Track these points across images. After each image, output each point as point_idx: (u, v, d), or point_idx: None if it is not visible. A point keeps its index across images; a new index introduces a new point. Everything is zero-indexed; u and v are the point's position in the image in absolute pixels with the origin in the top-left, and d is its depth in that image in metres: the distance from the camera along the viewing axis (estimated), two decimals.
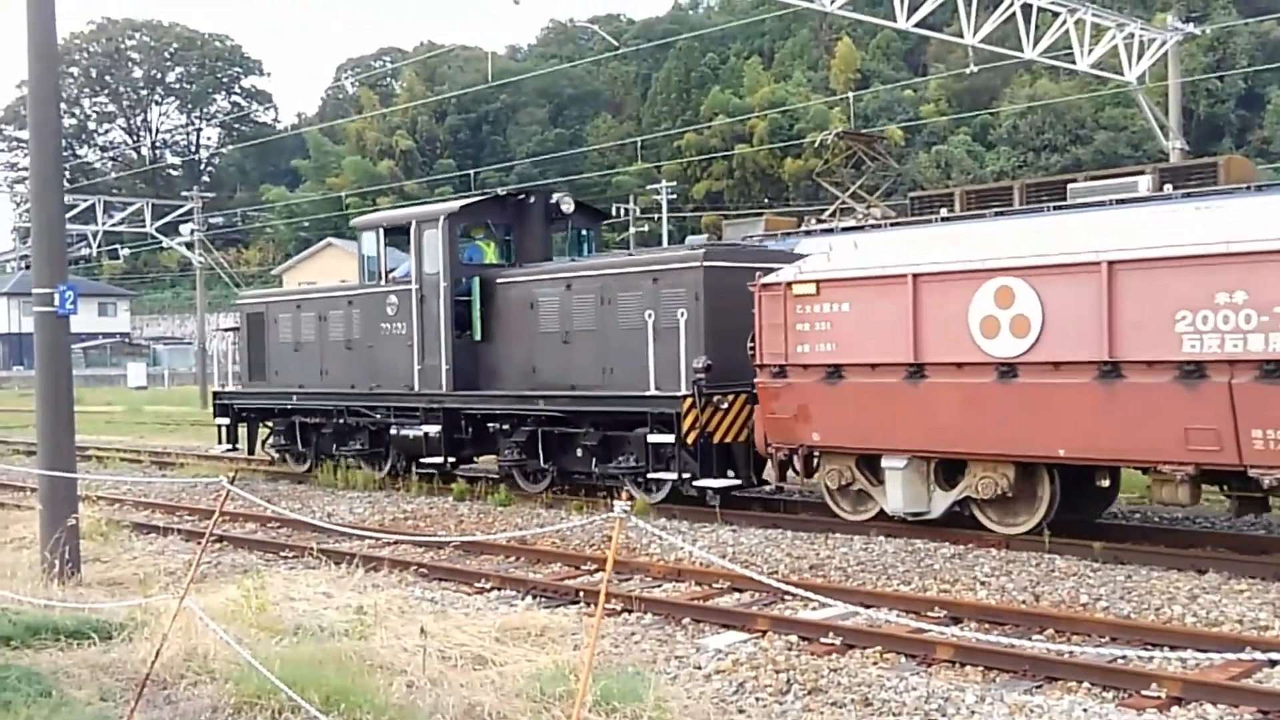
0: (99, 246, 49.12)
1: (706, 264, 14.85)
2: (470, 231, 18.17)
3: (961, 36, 25.15)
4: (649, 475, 15.27)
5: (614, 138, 79.42)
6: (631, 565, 12.05)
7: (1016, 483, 12.22)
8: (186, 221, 51.61)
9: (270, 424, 21.19)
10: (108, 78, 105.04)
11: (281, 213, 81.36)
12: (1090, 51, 26.41)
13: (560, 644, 9.02)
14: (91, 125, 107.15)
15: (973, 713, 7.44)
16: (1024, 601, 10.22)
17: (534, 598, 11.12)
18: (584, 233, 19.01)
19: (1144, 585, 10.50)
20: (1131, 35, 27.20)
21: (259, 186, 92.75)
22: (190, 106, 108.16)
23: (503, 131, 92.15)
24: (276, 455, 21.37)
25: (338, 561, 12.43)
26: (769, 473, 14.53)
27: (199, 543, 13.34)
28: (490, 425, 17.38)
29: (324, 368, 19.68)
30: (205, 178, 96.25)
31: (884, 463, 12.92)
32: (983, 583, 10.88)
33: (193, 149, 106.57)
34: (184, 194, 55.40)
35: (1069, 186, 16.90)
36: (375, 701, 7.08)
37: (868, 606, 8.54)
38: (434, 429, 17.45)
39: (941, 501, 12.80)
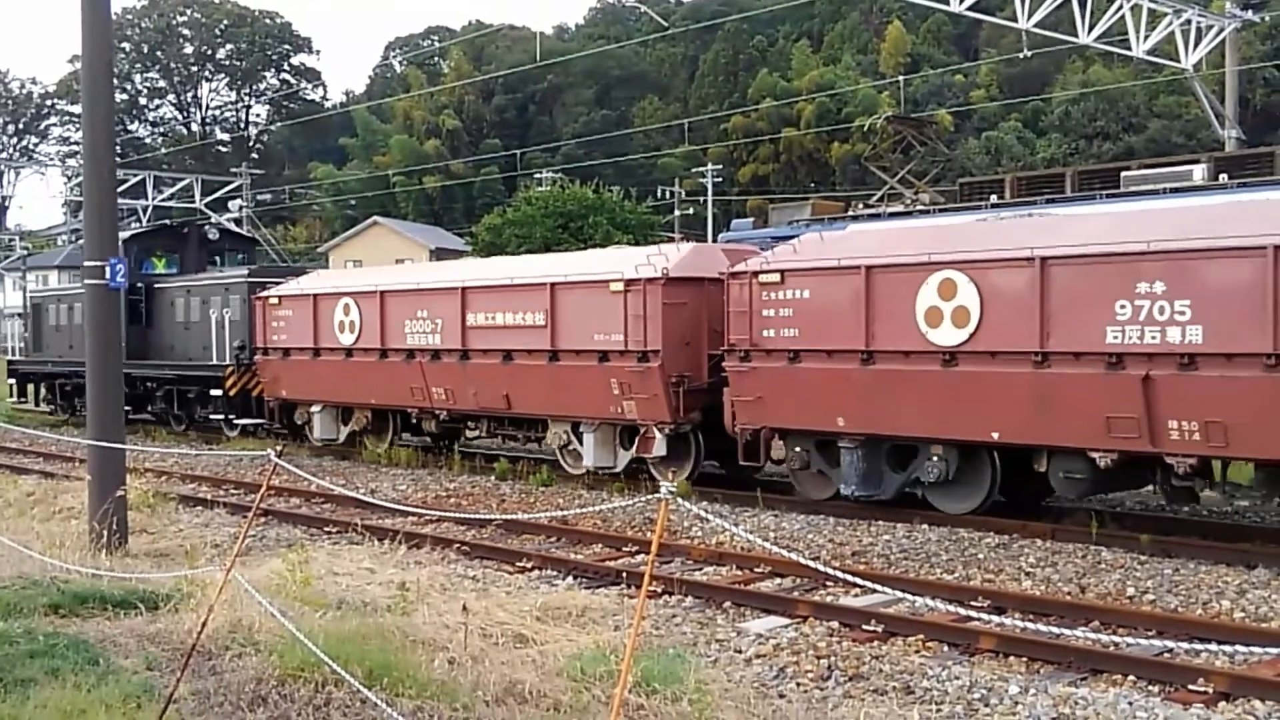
0: (148, 221, 49.48)
1: (250, 279, 22.74)
2: (148, 249, 25.46)
3: (1015, 21, 24.85)
4: (210, 417, 23.16)
5: (660, 120, 79.15)
6: (673, 548, 12.04)
7: (375, 420, 20.02)
8: (235, 198, 52.05)
9: (43, 384, 29.35)
10: (159, 53, 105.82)
11: (329, 190, 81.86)
12: (1146, 37, 26.02)
13: (601, 625, 9.03)
14: (142, 101, 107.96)
15: (1016, 704, 7.38)
16: (1070, 593, 10.13)
17: (575, 578, 11.13)
18: (238, 254, 26.74)
19: (1192, 579, 10.37)
20: (1189, 21, 26.75)
21: (307, 164, 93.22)
22: (240, 83, 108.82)
23: (549, 112, 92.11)
24: (49, 407, 29.01)
25: (381, 538, 12.50)
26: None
27: (244, 516, 13.47)
28: (148, 385, 24.62)
29: (70, 343, 26.74)
30: (254, 154, 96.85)
31: (311, 409, 20.52)
32: (1028, 573, 10.79)
33: (242, 126, 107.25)
34: (233, 170, 55.85)
35: (1122, 175, 16.68)
36: (417, 677, 7.12)
37: (911, 594, 8.50)
38: None
39: (343, 432, 20.37)
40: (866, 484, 13.37)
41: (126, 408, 24.95)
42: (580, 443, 16.39)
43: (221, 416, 22.71)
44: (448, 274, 18.83)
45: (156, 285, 25.05)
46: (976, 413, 12.27)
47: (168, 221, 30.61)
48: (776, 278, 13.82)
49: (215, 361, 22.70)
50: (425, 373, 18.10)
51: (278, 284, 21.63)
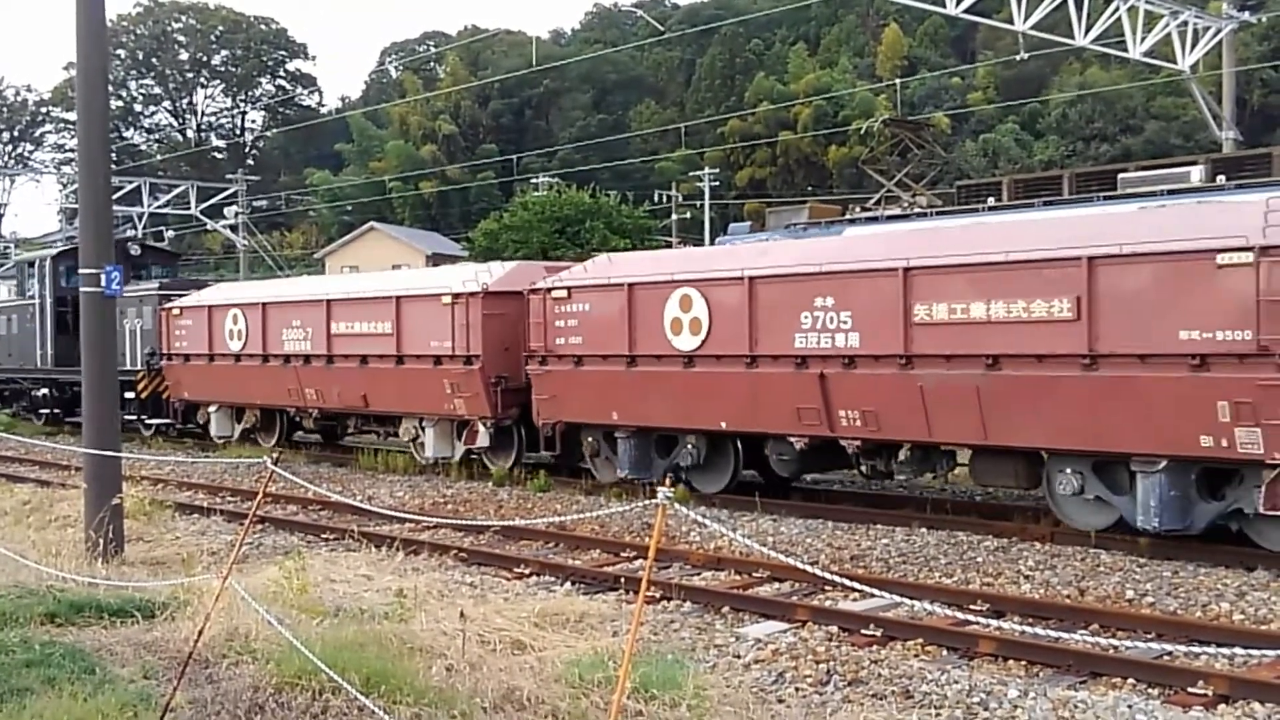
0: (144, 228, 49.37)
1: (159, 292, 25.19)
2: (75, 265, 26.45)
3: (1011, 23, 24.84)
4: (125, 418, 23.23)
5: (657, 124, 79.14)
6: (671, 553, 12.02)
7: (263, 419, 22.22)
8: (231, 204, 51.94)
9: None
10: (154, 60, 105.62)
11: (324, 196, 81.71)
12: (1143, 39, 25.99)
13: (599, 630, 9.00)
14: (138, 107, 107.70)
15: (1015, 707, 7.35)
16: (1069, 596, 10.11)
17: (573, 584, 11.10)
18: (162, 268, 28.82)
19: (1191, 581, 10.35)
20: (1185, 23, 26.72)
21: (302, 170, 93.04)
22: (235, 89, 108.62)
23: (545, 117, 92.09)
24: None
25: (378, 544, 12.47)
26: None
27: (241, 523, 13.44)
28: (75, 390, 24.90)
29: (9, 351, 29.62)
30: (249, 161, 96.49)
31: (209, 409, 23.04)
32: (1027, 576, 10.77)
33: (237, 132, 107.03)
34: (228, 177, 55.73)
35: (1119, 176, 16.66)
36: (415, 684, 7.08)
37: (910, 598, 8.49)
38: (46, 391, 28.18)
39: (237, 430, 22.70)
40: (638, 469, 15.66)
41: (56, 411, 28.16)
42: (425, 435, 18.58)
43: (135, 417, 24.94)
44: (316, 288, 21.64)
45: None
46: (710, 407, 14.60)
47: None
48: (565, 293, 16.20)
49: (130, 367, 24.62)
50: (299, 376, 20.37)
51: (182, 294, 24.23)
